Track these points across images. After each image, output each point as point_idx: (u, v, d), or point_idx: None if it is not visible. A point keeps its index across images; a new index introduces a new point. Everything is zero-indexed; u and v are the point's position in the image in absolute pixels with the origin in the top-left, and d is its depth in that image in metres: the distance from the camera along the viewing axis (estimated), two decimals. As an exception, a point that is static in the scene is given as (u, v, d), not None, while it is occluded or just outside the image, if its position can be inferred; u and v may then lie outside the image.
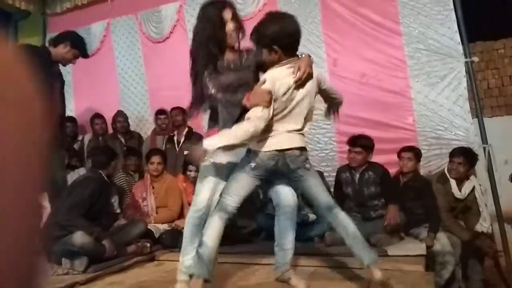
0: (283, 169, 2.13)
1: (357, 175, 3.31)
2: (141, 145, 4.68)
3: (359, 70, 4.01)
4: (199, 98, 2.22)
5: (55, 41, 3.27)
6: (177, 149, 4.29)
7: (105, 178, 3.23)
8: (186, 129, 4.34)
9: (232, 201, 2.10)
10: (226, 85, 2.16)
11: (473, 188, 3.27)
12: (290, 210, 2.30)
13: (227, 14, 2.19)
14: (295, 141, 2.12)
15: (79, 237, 2.81)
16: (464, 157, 3.23)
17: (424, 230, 3.11)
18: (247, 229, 3.60)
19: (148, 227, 3.43)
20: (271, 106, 2.02)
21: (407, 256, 2.70)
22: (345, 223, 2.15)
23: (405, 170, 3.37)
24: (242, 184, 2.12)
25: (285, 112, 2.10)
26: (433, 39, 3.77)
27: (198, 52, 2.22)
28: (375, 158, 3.39)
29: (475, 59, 3.76)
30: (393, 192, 3.24)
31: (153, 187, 3.80)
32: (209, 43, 2.17)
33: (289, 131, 2.10)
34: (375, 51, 3.94)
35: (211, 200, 2.21)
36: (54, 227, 2.96)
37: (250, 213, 3.84)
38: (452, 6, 3.67)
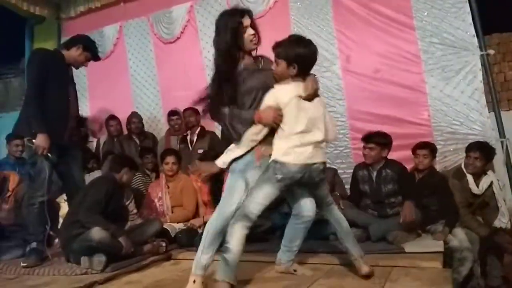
0: (307, 180, 2.21)
1: (375, 173, 3.28)
2: (155, 145, 4.72)
3: (373, 66, 3.97)
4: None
5: (68, 45, 3.34)
6: (191, 148, 4.32)
7: (116, 181, 3.27)
8: (199, 129, 4.36)
9: (255, 209, 2.17)
10: (250, 89, 2.25)
11: (491, 183, 3.20)
12: (310, 219, 2.41)
13: (246, 21, 2.31)
14: (320, 155, 2.21)
15: (97, 232, 2.85)
16: (481, 152, 3.17)
17: (441, 226, 3.07)
18: (262, 228, 3.60)
19: (164, 226, 3.46)
20: None
21: (425, 253, 2.67)
22: (340, 218, 2.37)
23: (421, 167, 3.33)
24: (267, 194, 2.17)
25: (303, 120, 2.15)
26: (447, 32, 3.71)
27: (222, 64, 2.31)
28: (391, 155, 3.35)
29: (491, 51, 3.69)
30: (410, 189, 3.20)
31: (168, 187, 3.83)
32: (231, 50, 2.27)
33: (314, 144, 2.17)
34: (388, 46, 3.90)
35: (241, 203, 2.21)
36: (73, 226, 3.02)
37: (265, 212, 3.85)
38: (466, -2, 3.61)
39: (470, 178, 3.22)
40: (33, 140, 3.06)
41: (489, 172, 3.25)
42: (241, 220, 2.16)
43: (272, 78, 2.29)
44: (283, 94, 2.17)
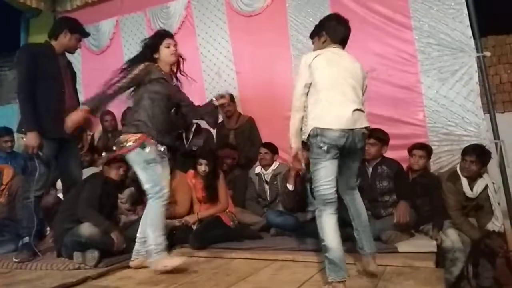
0: (350, 147, 2.18)
1: (370, 169, 3.28)
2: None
3: (369, 65, 3.95)
4: None
5: (54, 34, 3.24)
6: (187, 145, 4.31)
7: (110, 177, 3.26)
8: (195, 126, 4.35)
9: (328, 189, 2.12)
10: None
11: (486, 186, 3.22)
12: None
13: (169, 41, 2.88)
14: (361, 120, 2.21)
15: (86, 228, 2.86)
16: (477, 156, 3.17)
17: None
18: (257, 225, 3.61)
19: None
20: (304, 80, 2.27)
21: (418, 253, 2.69)
22: (361, 208, 2.36)
23: (416, 167, 3.35)
24: (327, 170, 2.13)
25: (340, 81, 2.22)
26: (444, 33, 3.72)
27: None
28: (386, 154, 3.36)
29: (487, 53, 3.71)
30: (405, 188, 3.21)
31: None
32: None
33: (354, 109, 2.16)
34: (385, 46, 3.91)
35: None
36: (65, 221, 3.01)
37: (259, 210, 3.86)
38: (463, 0, 3.62)
39: (464, 181, 3.23)
40: (24, 139, 3.04)
41: (484, 175, 3.26)
42: (325, 209, 2.12)
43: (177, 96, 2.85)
44: (317, 59, 2.26)
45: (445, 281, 2.57)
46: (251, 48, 4.54)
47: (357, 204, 2.36)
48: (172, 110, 2.92)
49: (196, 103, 4.54)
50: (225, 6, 4.71)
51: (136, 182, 3.04)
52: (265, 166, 3.91)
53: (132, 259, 2.78)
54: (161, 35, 2.89)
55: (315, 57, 2.27)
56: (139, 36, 5.17)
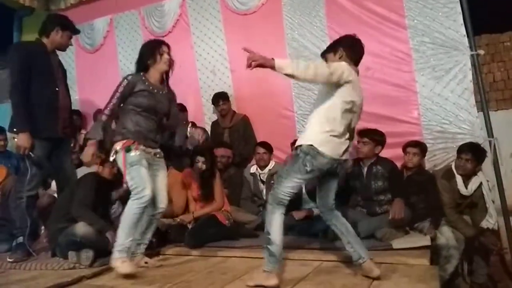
0: (331, 171, 2.31)
1: (365, 169, 3.30)
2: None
3: (364, 64, 3.89)
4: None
5: (45, 32, 3.20)
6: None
7: (103, 176, 3.23)
8: (190, 124, 4.35)
9: (288, 197, 2.25)
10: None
11: (480, 184, 3.24)
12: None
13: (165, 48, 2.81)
14: (349, 151, 2.35)
15: (81, 228, 2.85)
16: (472, 154, 3.20)
17: (428, 224, 3.10)
18: (252, 224, 3.61)
19: (153, 222, 3.44)
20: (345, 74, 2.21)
21: (412, 250, 2.70)
22: (346, 222, 2.40)
23: (410, 165, 3.36)
24: (297, 185, 2.28)
25: (353, 112, 2.29)
26: (438, 32, 3.74)
27: None
28: (380, 153, 3.38)
29: (481, 52, 3.73)
30: (399, 186, 3.22)
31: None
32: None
33: (346, 138, 2.28)
34: (380, 45, 3.91)
35: None
36: (60, 220, 2.99)
37: (254, 208, 3.86)
38: (457, -1, 3.64)
39: (459, 179, 3.25)
40: (15, 139, 3.02)
41: (479, 173, 3.28)
42: (277, 207, 2.24)
43: (165, 105, 2.80)
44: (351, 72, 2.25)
45: (440, 278, 2.58)
46: (246, 47, 4.51)
47: (341, 219, 2.41)
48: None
49: (191, 101, 4.53)
50: (220, 4, 4.70)
51: None
52: (262, 166, 3.91)
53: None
54: (157, 42, 2.86)
55: (351, 72, 2.26)
56: (133, 34, 5.17)
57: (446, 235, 3.05)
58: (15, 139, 3.02)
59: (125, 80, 2.68)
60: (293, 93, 4.30)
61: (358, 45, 2.41)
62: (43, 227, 3.57)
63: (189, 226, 3.45)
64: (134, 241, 2.71)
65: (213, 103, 4.50)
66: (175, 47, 4.83)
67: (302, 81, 2.23)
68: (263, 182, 3.90)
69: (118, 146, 2.61)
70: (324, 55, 2.47)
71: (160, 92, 2.79)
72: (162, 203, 2.79)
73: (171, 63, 2.82)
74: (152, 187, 2.59)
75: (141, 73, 2.75)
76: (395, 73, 3.88)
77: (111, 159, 2.66)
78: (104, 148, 2.80)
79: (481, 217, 3.23)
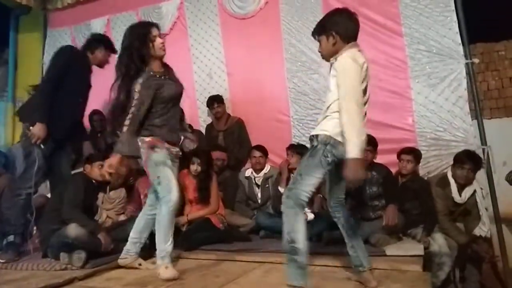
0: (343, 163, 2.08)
1: None
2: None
3: (360, 70, 4.00)
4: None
5: (90, 48, 3.42)
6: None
7: (89, 178, 3.24)
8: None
9: (306, 196, 2.02)
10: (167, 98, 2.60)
11: (474, 192, 3.25)
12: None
13: (155, 32, 2.61)
14: None
15: (73, 229, 2.83)
16: (473, 164, 3.19)
17: (421, 230, 3.12)
18: (246, 227, 3.61)
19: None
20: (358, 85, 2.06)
21: (405, 256, 2.71)
22: (354, 225, 2.28)
23: (404, 172, 3.38)
24: (316, 181, 2.05)
25: (365, 97, 2.15)
26: (434, 40, 3.77)
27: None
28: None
29: (476, 60, 3.77)
30: (393, 192, 3.24)
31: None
32: (136, 57, 2.56)
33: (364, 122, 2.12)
34: (376, 52, 3.93)
35: None
36: (51, 221, 2.97)
37: (249, 212, 3.86)
38: (453, 7, 3.68)
39: (454, 187, 3.25)
40: (31, 128, 3.08)
41: (474, 181, 3.29)
42: (297, 208, 2.01)
43: (179, 84, 2.70)
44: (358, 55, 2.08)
45: (432, 285, 2.60)
46: (243, 51, 4.54)
47: (350, 221, 2.27)
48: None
49: (186, 103, 4.52)
50: (218, 8, 4.71)
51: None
52: (258, 170, 3.91)
53: (121, 256, 2.75)
54: (143, 27, 2.64)
55: (363, 61, 2.10)
56: (131, 35, 5.15)
57: (438, 242, 3.06)
58: (30, 129, 3.09)
59: (138, 85, 2.48)
60: (290, 98, 4.31)
61: (352, 21, 2.15)
62: (35, 228, 3.54)
63: (183, 229, 3.45)
64: (130, 239, 2.71)
65: (207, 106, 4.50)
66: (172, 49, 4.87)
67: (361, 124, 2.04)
68: (258, 185, 3.90)
69: (144, 143, 2.52)
70: (315, 36, 2.25)
71: (168, 77, 2.67)
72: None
73: (164, 45, 2.64)
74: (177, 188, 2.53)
75: (146, 69, 2.58)
76: (390, 80, 3.90)
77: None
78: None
79: (474, 225, 3.24)
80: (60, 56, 3.30)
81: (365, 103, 2.16)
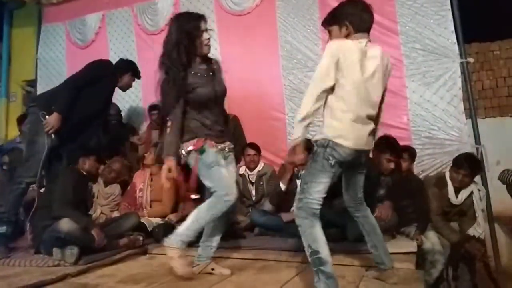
0: (355, 162, 2.06)
1: None
2: (133, 137, 4.66)
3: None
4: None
5: (119, 71, 3.60)
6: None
7: (81, 172, 3.24)
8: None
9: (319, 204, 1.97)
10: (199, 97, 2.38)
11: (471, 193, 3.24)
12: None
13: (203, 26, 2.39)
14: (373, 140, 2.12)
15: (65, 224, 2.80)
16: (471, 169, 3.16)
17: (415, 228, 3.12)
18: (241, 225, 3.61)
19: (141, 220, 3.42)
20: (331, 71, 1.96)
21: (398, 254, 2.72)
22: (375, 224, 2.25)
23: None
24: (325, 186, 1.98)
25: (367, 90, 2.00)
26: (429, 39, 3.78)
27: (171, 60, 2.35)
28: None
29: (471, 60, 3.78)
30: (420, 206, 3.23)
31: (151, 180, 3.78)
32: (183, 53, 2.34)
33: (372, 128, 2.05)
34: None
35: None
36: (43, 216, 2.95)
37: (243, 209, 3.86)
38: (449, 7, 3.69)
39: (451, 188, 3.23)
40: (47, 116, 3.12)
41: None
42: (311, 218, 1.95)
43: (222, 84, 2.51)
44: (346, 56, 1.96)
45: (425, 283, 2.61)
46: (239, 48, 4.53)
47: (372, 220, 2.24)
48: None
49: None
50: (214, 4, 4.70)
51: None
52: (252, 168, 3.91)
53: (193, 264, 2.52)
54: (193, 19, 2.38)
55: (347, 48, 1.98)
56: (125, 31, 5.13)
57: (432, 240, 3.07)
58: (47, 117, 3.13)
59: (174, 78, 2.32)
60: (285, 95, 4.31)
61: (366, 11, 2.07)
62: (28, 224, 3.52)
63: (177, 226, 3.43)
64: (201, 244, 2.53)
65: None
66: (168, 46, 4.86)
67: (314, 112, 1.98)
68: (252, 183, 3.90)
69: (189, 147, 2.36)
70: (326, 26, 2.15)
71: (210, 74, 2.46)
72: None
73: (209, 41, 2.40)
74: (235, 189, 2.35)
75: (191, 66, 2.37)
76: (386, 78, 3.91)
77: (182, 161, 2.41)
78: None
79: (469, 226, 3.24)
80: (99, 67, 3.46)
81: (372, 101, 2.07)
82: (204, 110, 2.40)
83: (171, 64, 2.33)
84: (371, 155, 3.24)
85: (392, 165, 3.14)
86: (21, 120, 4.51)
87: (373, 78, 2.04)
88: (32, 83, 5.67)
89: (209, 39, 2.39)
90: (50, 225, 2.89)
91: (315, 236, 1.92)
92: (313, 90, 1.97)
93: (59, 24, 5.47)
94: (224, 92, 2.54)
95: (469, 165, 3.17)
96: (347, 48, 1.99)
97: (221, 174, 2.33)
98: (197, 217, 2.34)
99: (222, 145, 2.45)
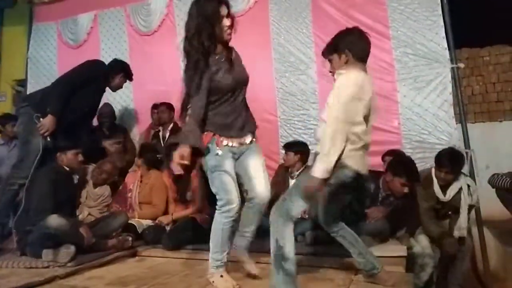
0: (351, 184, 2.06)
1: None
2: (126, 138, 4.63)
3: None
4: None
5: (112, 71, 3.60)
6: (163, 144, 4.26)
7: (62, 169, 3.17)
8: (172, 125, 4.31)
9: (297, 212, 2.01)
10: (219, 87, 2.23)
11: (460, 188, 3.22)
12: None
13: (224, 11, 2.22)
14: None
15: (54, 219, 2.76)
16: (452, 167, 3.15)
17: (404, 232, 3.14)
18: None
19: (132, 222, 3.40)
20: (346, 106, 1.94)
21: (388, 257, 2.72)
22: (352, 232, 2.27)
23: None
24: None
25: (369, 119, 2.09)
26: (420, 44, 3.81)
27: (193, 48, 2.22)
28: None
29: (461, 65, 3.82)
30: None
31: (141, 181, 3.76)
32: (205, 38, 2.19)
33: (367, 148, 2.10)
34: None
35: None
36: (27, 219, 2.91)
37: (240, 209, 3.84)
38: (440, 12, 3.73)
39: (436, 186, 3.24)
40: (41, 118, 3.10)
41: (460, 177, 3.24)
42: (289, 221, 1.98)
43: (243, 72, 2.35)
44: (365, 81, 2.02)
45: (414, 286, 2.62)
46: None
47: (349, 230, 2.27)
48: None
49: (175, 101, 4.44)
50: (207, 6, 4.68)
51: None
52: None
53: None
54: (211, 4, 2.21)
55: (359, 78, 2.03)
56: (118, 31, 5.10)
57: (422, 243, 3.09)
58: (41, 120, 3.11)
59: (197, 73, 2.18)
60: (277, 98, 4.31)
61: (364, 40, 2.12)
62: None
63: (167, 228, 3.42)
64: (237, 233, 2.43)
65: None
66: (160, 47, 4.86)
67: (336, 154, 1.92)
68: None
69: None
70: (327, 56, 2.21)
71: (231, 61, 2.33)
72: (253, 192, 2.32)
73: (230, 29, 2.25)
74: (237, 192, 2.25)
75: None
76: (377, 82, 3.88)
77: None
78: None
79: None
80: (92, 67, 3.46)
81: (365, 132, 2.09)
82: (222, 101, 2.26)
83: (192, 50, 2.22)
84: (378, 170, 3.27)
85: (406, 190, 3.03)
86: (3, 121, 4.45)
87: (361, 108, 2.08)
88: (23, 82, 5.61)
89: (230, 26, 2.23)
90: (32, 230, 2.82)
91: (285, 234, 1.95)
92: (332, 136, 1.95)
93: (50, 24, 5.42)
94: (245, 81, 2.40)
95: (450, 162, 3.15)
96: (360, 79, 2.05)
97: (222, 181, 2.23)
98: (212, 238, 2.31)
99: (238, 140, 2.29)
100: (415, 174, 3.05)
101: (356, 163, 2.01)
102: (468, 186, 3.24)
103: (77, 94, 3.26)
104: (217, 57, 2.26)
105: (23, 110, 3.26)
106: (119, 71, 3.63)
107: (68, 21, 5.28)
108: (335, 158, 1.89)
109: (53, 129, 3.11)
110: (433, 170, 3.29)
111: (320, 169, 1.89)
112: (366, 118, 2.10)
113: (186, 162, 2.14)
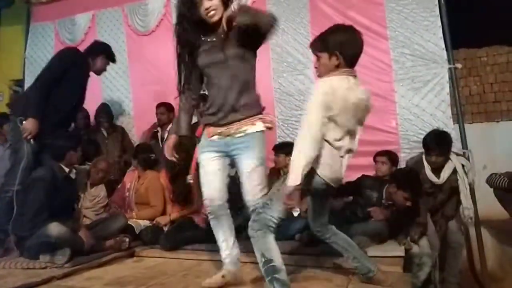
0: (327, 191, 2.04)
1: None
2: (124, 138, 4.63)
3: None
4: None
5: (92, 54, 3.46)
6: (161, 145, 4.25)
7: (60, 169, 3.10)
8: (170, 125, 4.30)
9: (275, 223, 1.93)
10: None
11: (455, 169, 3.20)
12: None
13: None
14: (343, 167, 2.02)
15: (55, 227, 2.73)
16: (440, 148, 3.16)
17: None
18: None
19: (129, 222, 3.39)
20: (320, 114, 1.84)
21: (386, 257, 2.73)
22: (344, 236, 2.25)
23: (379, 173, 3.42)
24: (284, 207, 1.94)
25: (351, 127, 1.98)
26: (418, 44, 3.82)
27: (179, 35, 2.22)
28: (358, 161, 3.40)
29: (459, 65, 3.83)
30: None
31: (138, 181, 3.75)
32: (186, 24, 2.16)
33: (346, 153, 1.99)
34: (362, 54, 3.96)
35: None
36: (25, 227, 2.85)
37: (236, 209, 3.84)
38: (438, 13, 3.74)
39: (428, 169, 3.21)
40: (24, 122, 3.06)
41: (452, 157, 3.21)
42: (269, 231, 1.92)
43: (233, 48, 2.16)
44: (337, 85, 1.89)
45: (412, 286, 2.63)
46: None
47: (341, 235, 2.24)
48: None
49: (172, 101, 4.42)
50: (204, 6, 4.68)
51: None
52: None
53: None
54: None
55: (335, 85, 1.92)
56: (116, 32, 5.09)
57: (420, 243, 3.09)
58: (24, 122, 3.08)
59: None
60: (274, 98, 4.32)
61: (357, 43, 2.03)
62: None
63: (165, 229, 3.42)
64: None
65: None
66: (158, 47, 4.85)
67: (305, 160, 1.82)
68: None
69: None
70: (315, 51, 2.05)
71: (218, 40, 2.16)
72: (249, 195, 2.22)
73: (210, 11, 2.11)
74: (219, 190, 2.24)
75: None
76: (375, 83, 3.93)
77: None
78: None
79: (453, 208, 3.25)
80: (62, 58, 3.36)
81: (350, 134, 2.02)
82: (208, 85, 2.19)
83: (178, 38, 2.21)
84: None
85: (408, 203, 2.98)
86: (0, 121, 4.43)
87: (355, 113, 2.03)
88: (20, 82, 5.59)
89: (210, 7, 2.10)
90: (29, 236, 2.79)
91: (268, 245, 1.91)
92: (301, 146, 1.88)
93: (48, 23, 5.40)
94: (236, 55, 2.17)
95: (437, 144, 3.16)
96: (334, 83, 1.95)
97: (201, 175, 2.24)
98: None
99: (220, 129, 2.17)
100: (419, 190, 3.00)
101: (327, 172, 1.92)
102: (463, 165, 3.22)
103: (59, 90, 3.20)
104: (208, 40, 2.18)
105: (11, 118, 3.26)
106: (100, 53, 3.51)
107: (65, 21, 5.27)
108: (303, 163, 1.79)
109: (36, 131, 3.07)
110: (424, 156, 3.30)
111: (290, 176, 1.82)
112: (353, 123, 2.02)
113: (169, 153, 2.23)
